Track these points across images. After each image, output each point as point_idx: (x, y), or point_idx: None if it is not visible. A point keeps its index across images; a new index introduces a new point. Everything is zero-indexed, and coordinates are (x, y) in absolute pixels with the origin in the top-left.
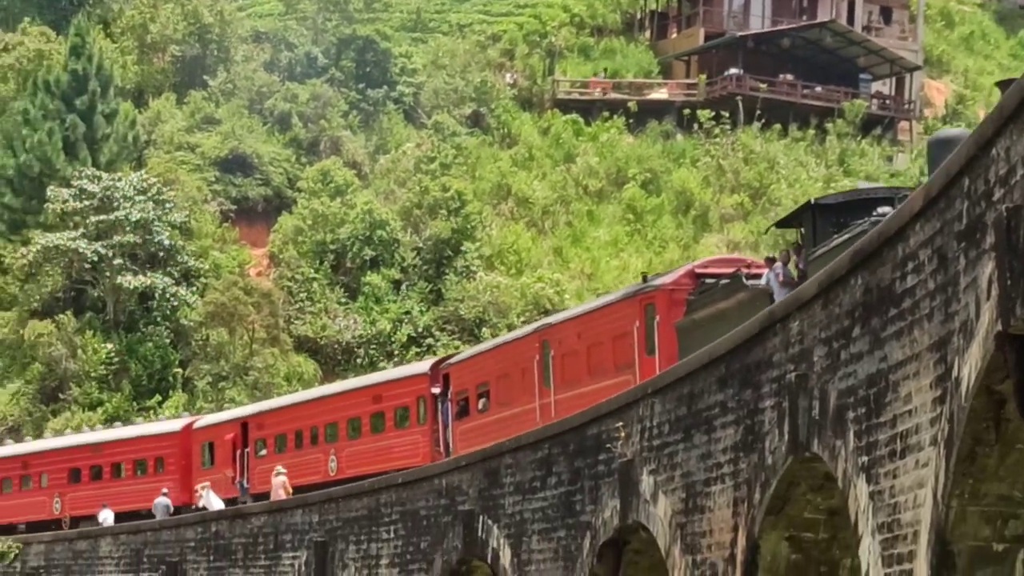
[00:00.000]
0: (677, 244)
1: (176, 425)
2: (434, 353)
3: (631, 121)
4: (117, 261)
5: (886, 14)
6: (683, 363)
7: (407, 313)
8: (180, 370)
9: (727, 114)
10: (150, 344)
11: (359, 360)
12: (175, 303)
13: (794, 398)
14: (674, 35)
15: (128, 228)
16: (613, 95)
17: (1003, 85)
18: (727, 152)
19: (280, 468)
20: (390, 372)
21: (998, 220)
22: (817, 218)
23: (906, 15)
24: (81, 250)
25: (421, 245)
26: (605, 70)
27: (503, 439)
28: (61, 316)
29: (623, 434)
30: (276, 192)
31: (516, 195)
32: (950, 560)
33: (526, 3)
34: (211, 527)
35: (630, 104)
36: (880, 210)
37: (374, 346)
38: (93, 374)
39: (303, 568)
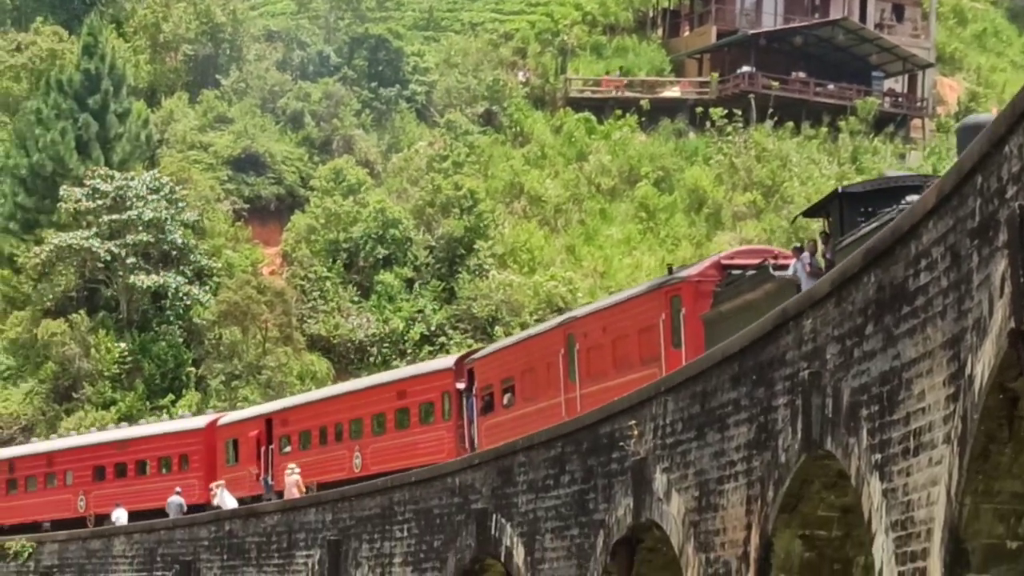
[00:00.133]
0: (690, 242)
1: (200, 422)
2: (447, 352)
3: (643, 119)
4: (130, 260)
5: (898, 11)
6: (696, 361)
7: (420, 312)
8: (193, 369)
9: (739, 112)
10: (163, 343)
11: (372, 359)
12: (188, 302)
13: (807, 396)
14: (686, 33)
15: (141, 227)
16: (625, 93)
17: None
18: (739, 150)
19: (293, 466)
20: (415, 368)
21: (1011, 217)
22: (844, 207)
23: (918, 12)
24: (94, 249)
25: (434, 244)
26: (620, 68)
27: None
28: (74, 315)
29: (636, 432)
30: (289, 191)
31: (528, 193)
32: (964, 558)
33: (538, 1)
34: (224, 526)
35: (642, 102)
36: (908, 198)
37: (387, 345)
38: (106, 373)
39: (316, 567)
